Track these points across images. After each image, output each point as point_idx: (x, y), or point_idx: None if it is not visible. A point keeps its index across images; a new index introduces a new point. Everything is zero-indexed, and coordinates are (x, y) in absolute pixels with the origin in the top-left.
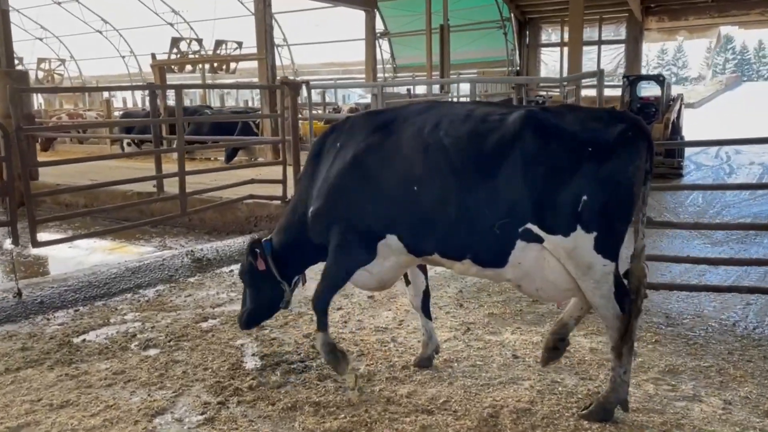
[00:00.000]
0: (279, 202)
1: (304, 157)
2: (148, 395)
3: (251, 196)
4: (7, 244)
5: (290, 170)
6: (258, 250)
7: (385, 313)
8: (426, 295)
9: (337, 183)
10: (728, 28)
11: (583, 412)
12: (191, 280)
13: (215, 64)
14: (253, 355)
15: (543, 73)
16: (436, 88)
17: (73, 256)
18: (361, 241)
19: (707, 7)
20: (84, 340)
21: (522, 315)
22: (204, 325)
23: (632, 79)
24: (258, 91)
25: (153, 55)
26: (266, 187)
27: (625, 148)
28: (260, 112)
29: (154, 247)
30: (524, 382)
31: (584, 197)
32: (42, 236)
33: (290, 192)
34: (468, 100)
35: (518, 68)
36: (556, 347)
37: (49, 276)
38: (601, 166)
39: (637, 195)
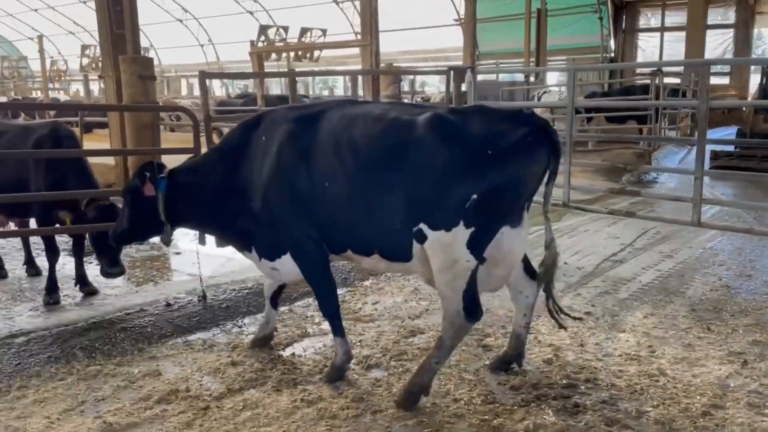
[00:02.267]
0: None
1: None
2: None
3: None
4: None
5: None
6: (148, 175)
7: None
8: (281, 288)
9: (271, 184)
10: None
11: (396, 399)
12: (366, 283)
13: (299, 52)
14: (504, 384)
15: (641, 60)
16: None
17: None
18: (309, 237)
19: None
20: (293, 354)
21: None
22: (415, 340)
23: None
24: (339, 79)
25: (252, 42)
26: None
27: (523, 151)
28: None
29: None
30: None
31: (474, 196)
32: None
33: None
34: (562, 89)
35: (613, 54)
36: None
37: (228, 277)
38: (495, 168)
39: (524, 197)
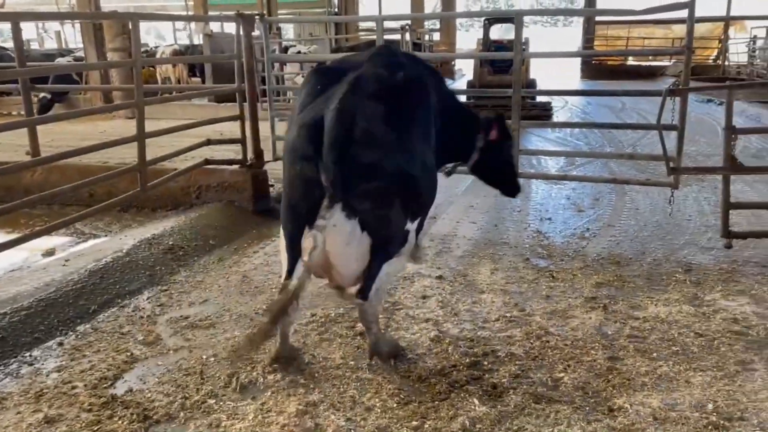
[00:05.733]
0: (238, 167)
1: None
2: None
3: (207, 162)
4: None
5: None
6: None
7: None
8: None
9: None
10: None
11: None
12: (179, 278)
13: None
14: (408, 376)
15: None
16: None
17: None
18: None
19: None
20: (130, 390)
21: None
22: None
23: (489, 21)
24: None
25: None
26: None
27: None
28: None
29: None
30: None
31: None
32: None
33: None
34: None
35: (336, 10)
36: None
37: None
38: None
39: None
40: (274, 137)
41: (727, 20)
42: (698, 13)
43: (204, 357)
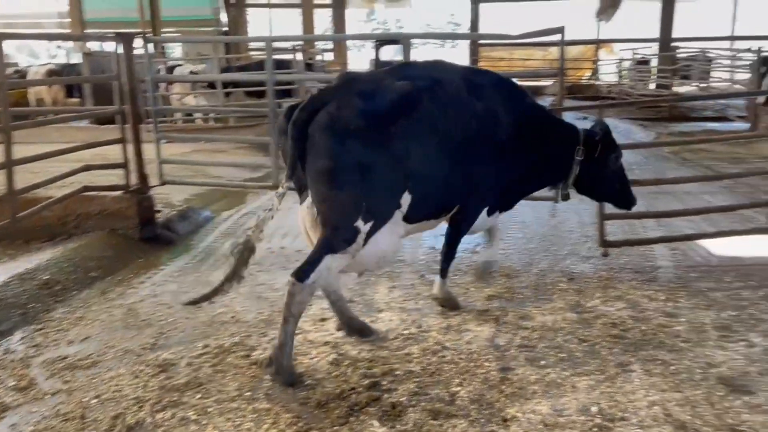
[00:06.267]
0: (121, 192)
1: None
2: None
3: (85, 188)
4: None
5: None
6: None
7: None
8: None
9: None
10: None
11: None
12: (56, 315)
13: None
14: (306, 402)
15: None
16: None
17: None
18: None
19: None
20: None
21: None
22: (186, 386)
23: (379, 42)
24: None
25: None
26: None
27: None
28: None
29: None
30: None
31: None
32: None
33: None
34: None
35: (227, 28)
36: None
37: None
38: None
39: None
40: (160, 160)
41: (598, 43)
42: (571, 36)
43: (85, 399)
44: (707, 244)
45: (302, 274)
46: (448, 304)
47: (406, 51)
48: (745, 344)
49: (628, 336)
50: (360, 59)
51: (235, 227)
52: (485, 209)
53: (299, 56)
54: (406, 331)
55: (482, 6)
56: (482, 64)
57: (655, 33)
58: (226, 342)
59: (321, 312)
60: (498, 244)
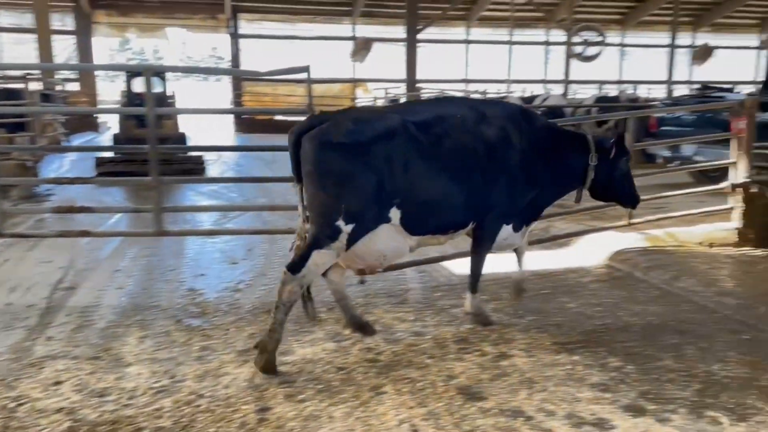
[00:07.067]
0: None
1: None
2: None
3: None
4: None
5: None
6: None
7: None
8: None
9: None
10: (176, 30)
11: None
12: None
13: None
14: None
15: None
16: None
17: None
18: None
19: (155, 8)
20: None
21: None
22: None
23: (130, 74)
24: None
25: None
26: None
27: None
28: None
29: None
30: None
31: None
32: None
33: None
34: None
35: None
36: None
37: None
38: None
39: None
40: None
41: (353, 82)
42: (331, 74)
43: None
44: (449, 264)
45: (295, 267)
46: (481, 320)
47: (148, 84)
48: (478, 353)
49: (381, 359)
50: (113, 90)
51: None
52: (510, 226)
53: (33, 86)
54: (157, 384)
55: (242, 42)
56: (246, 99)
57: (403, 74)
58: None
59: (55, 375)
60: (525, 262)
